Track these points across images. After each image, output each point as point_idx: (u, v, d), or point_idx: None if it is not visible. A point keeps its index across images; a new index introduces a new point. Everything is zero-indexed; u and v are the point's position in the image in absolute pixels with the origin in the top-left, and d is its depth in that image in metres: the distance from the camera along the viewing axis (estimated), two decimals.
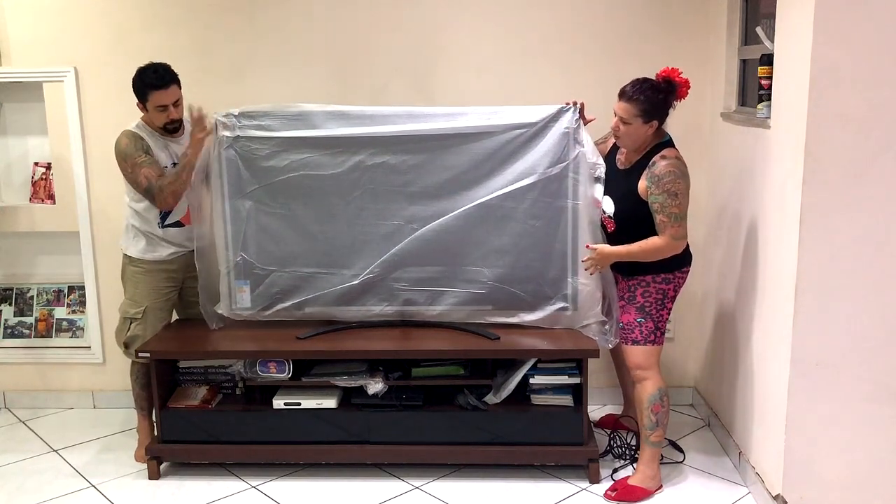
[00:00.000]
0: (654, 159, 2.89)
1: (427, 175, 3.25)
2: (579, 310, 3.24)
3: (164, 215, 3.28)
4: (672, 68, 2.92)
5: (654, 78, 2.91)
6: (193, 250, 3.37)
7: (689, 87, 2.93)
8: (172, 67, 3.19)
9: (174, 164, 3.25)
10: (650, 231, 2.93)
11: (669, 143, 2.95)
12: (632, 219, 2.97)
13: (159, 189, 3.15)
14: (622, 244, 3.01)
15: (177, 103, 3.19)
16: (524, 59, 3.64)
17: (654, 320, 3.00)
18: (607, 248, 2.98)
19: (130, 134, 3.19)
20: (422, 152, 3.24)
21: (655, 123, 2.90)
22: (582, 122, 3.14)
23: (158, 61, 3.18)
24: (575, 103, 3.14)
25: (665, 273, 2.99)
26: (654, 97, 2.87)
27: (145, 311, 3.33)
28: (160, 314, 3.40)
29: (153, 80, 3.12)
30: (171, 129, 3.23)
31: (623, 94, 2.89)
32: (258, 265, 3.36)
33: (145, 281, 3.33)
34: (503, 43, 3.65)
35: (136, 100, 3.17)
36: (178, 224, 3.33)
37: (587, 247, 3.02)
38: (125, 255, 3.36)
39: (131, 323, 3.34)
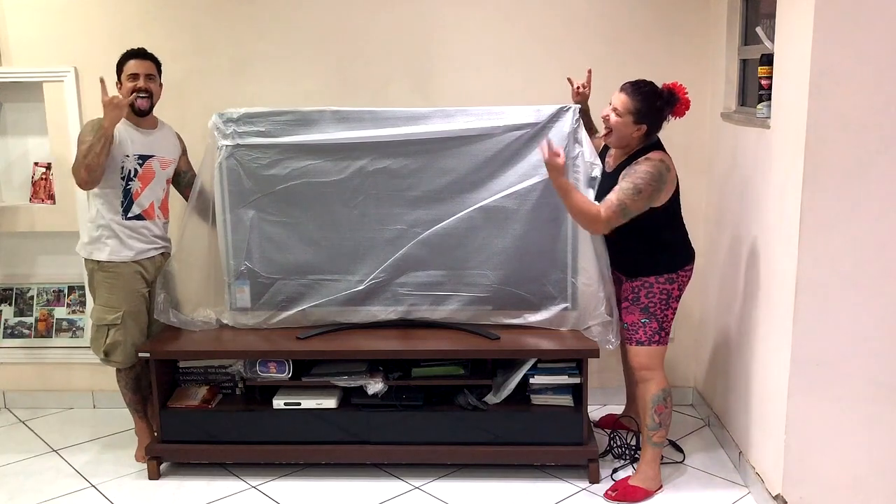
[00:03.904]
0: (638, 160, 2.88)
1: (428, 179, 3.25)
2: (583, 310, 3.25)
3: (126, 206, 3.24)
4: (681, 85, 2.92)
5: (659, 85, 2.90)
6: (164, 253, 3.38)
7: (688, 108, 2.93)
8: (163, 66, 3.27)
9: (141, 157, 3.23)
10: (644, 235, 2.94)
11: (656, 147, 2.93)
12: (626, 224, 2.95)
13: (77, 162, 3.08)
14: (621, 248, 3.05)
15: (151, 78, 3.19)
16: (524, 58, 3.65)
17: (659, 321, 3.00)
18: (560, 165, 2.81)
19: (96, 119, 3.15)
20: (423, 155, 3.24)
21: (644, 128, 2.88)
22: (587, 91, 3.21)
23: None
24: (589, 71, 3.21)
25: (669, 273, 2.98)
26: (652, 102, 2.86)
27: (123, 315, 3.26)
28: (139, 317, 3.32)
29: (132, 51, 3.21)
30: (139, 106, 3.17)
31: (624, 88, 2.89)
32: (263, 274, 3.36)
33: (119, 284, 3.26)
34: (503, 42, 3.65)
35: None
36: (140, 217, 3.27)
37: (554, 151, 2.82)
38: (91, 262, 3.28)
39: (109, 329, 3.26)
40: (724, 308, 3.46)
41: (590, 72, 3.21)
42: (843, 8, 2.44)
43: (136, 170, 3.23)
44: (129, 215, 3.25)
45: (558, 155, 2.82)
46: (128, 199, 3.24)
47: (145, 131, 3.27)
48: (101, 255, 3.26)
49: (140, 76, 3.17)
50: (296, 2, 3.66)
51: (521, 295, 3.31)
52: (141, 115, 3.22)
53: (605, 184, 3.00)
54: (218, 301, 3.45)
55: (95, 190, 3.22)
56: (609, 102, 2.93)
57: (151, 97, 3.21)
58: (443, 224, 3.27)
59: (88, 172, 3.07)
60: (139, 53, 3.20)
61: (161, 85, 3.28)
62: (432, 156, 3.24)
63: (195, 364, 3.38)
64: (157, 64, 3.25)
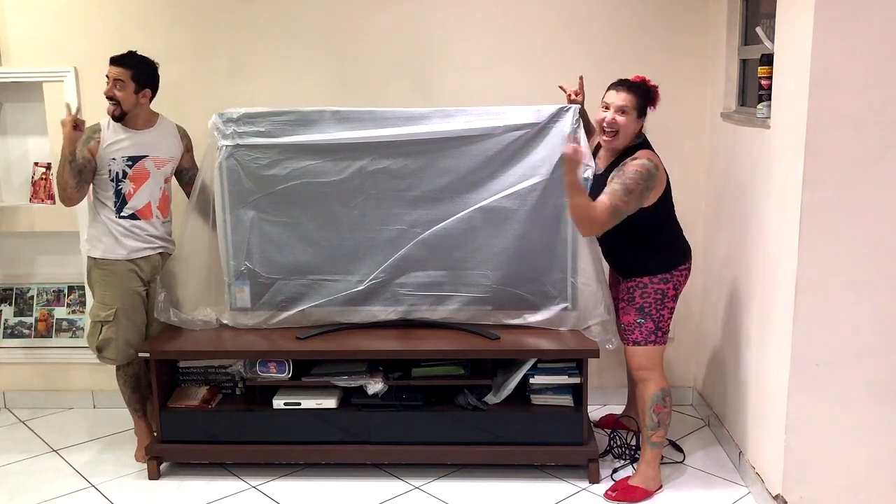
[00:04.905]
0: (626, 161, 2.87)
1: (428, 179, 3.25)
2: (582, 310, 3.25)
3: (119, 206, 3.24)
4: (644, 77, 2.94)
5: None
6: (162, 253, 3.37)
7: (659, 98, 2.94)
8: (163, 66, 3.26)
9: (130, 158, 3.21)
10: (636, 235, 2.94)
11: (644, 146, 2.93)
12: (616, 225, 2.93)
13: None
14: (614, 249, 3.07)
15: (119, 85, 3.13)
16: (524, 58, 3.64)
17: (655, 321, 3.00)
18: (580, 162, 2.80)
19: (92, 125, 3.20)
20: (422, 156, 3.24)
21: (643, 122, 2.92)
22: (579, 98, 3.18)
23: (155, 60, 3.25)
24: (581, 78, 3.18)
25: (662, 273, 2.98)
26: (646, 95, 2.91)
27: (116, 313, 3.26)
28: (133, 315, 3.31)
29: (113, 55, 3.18)
30: (108, 112, 3.17)
31: (623, 84, 2.90)
32: (263, 274, 3.36)
33: (113, 282, 3.27)
34: (503, 42, 3.65)
35: None
36: (134, 216, 3.27)
37: (574, 148, 2.77)
38: (90, 258, 3.30)
39: (102, 326, 3.26)
40: (723, 308, 3.46)
41: (581, 78, 3.20)
42: (843, 8, 2.44)
43: (124, 171, 3.22)
44: (123, 214, 3.26)
45: (580, 151, 2.80)
46: (120, 199, 3.25)
47: (137, 132, 3.25)
48: (96, 253, 3.27)
49: (109, 79, 3.16)
50: (296, 2, 3.66)
51: (521, 295, 3.31)
52: (116, 120, 3.20)
53: (596, 185, 2.99)
54: (218, 301, 3.45)
55: (92, 189, 3.25)
56: (603, 106, 2.92)
57: (120, 104, 3.16)
58: (443, 224, 3.27)
59: (61, 191, 3.14)
60: (114, 59, 3.16)
61: (145, 91, 3.19)
62: (432, 156, 3.24)
63: (195, 364, 3.38)
64: (136, 69, 3.15)
